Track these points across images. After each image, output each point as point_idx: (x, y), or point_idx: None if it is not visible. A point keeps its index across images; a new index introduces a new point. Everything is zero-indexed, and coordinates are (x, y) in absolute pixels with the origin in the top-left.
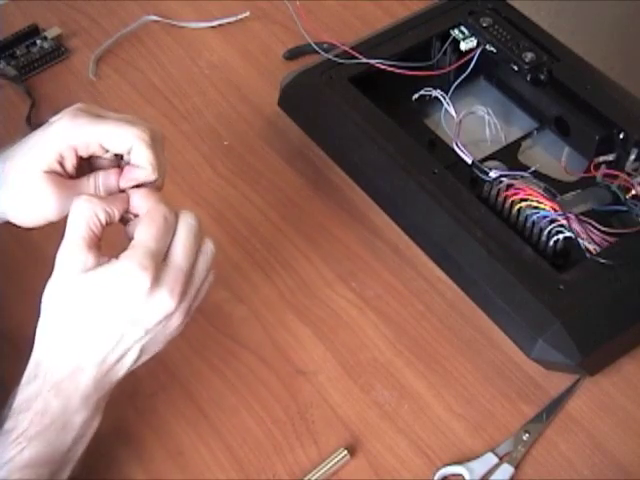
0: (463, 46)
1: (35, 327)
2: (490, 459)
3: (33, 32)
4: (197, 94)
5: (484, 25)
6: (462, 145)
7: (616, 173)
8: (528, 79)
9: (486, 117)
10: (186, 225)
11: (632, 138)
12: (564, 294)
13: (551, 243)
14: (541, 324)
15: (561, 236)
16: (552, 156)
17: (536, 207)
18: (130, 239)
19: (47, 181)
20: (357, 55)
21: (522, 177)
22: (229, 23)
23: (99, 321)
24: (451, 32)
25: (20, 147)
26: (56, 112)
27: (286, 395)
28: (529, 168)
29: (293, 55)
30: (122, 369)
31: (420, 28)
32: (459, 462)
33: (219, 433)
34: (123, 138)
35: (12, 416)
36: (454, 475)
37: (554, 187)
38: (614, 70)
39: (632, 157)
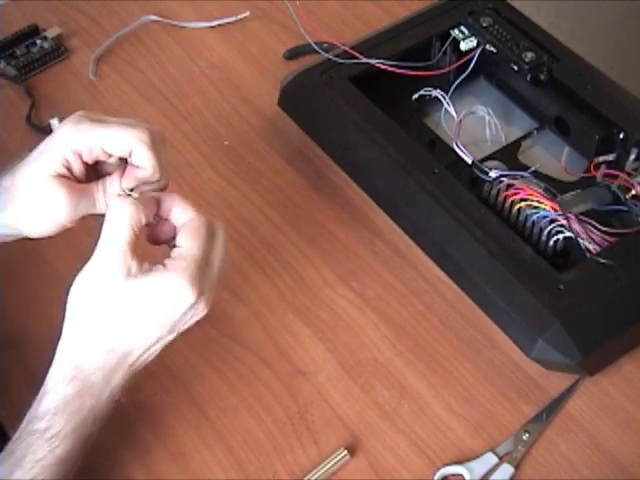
0: (463, 46)
1: (33, 327)
2: (490, 459)
3: (33, 32)
4: (197, 94)
5: (484, 25)
6: (462, 145)
7: (616, 173)
8: (528, 79)
9: (486, 117)
10: (221, 235)
11: (632, 138)
12: (564, 294)
13: (551, 243)
14: (541, 324)
15: (561, 236)
16: (552, 156)
17: (536, 207)
18: (151, 241)
19: (56, 184)
20: (357, 55)
21: (522, 177)
22: (229, 23)
23: (141, 327)
24: (451, 32)
25: (26, 159)
26: (56, 112)
27: (286, 395)
28: (529, 168)
29: (293, 55)
30: (146, 363)
31: (420, 28)
32: (459, 462)
33: (220, 433)
34: (123, 140)
35: (44, 417)
36: (454, 475)
37: (554, 187)
38: (614, 70)
39: (632, 157)
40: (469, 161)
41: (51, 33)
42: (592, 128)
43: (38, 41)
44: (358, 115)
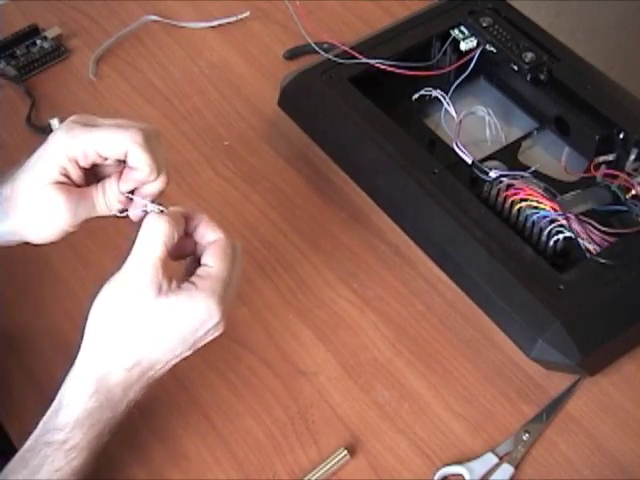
0: (463, 46)
1: (34, 328)
2: (490, 459)
3: (33, 32)
4: (197, 94)
5: (484, 25)
6: (462, 145)
7: (616, 173)
8: (528, 79)
9: (486, 117)
10: (240, 256)
11: (632, 138)
12: (564, 294)
13: (551, 243)
14: (541, 324)
15: (561, 236)
16: (552, 156)
17: (536, 207)
18: (172, 256)
19: (54, 190)
20: (357, 55)
21: (522, 177)
22: (229, 23)
23: (166, 344)
24: (451, 32)
25: (24, 166)
26: (56, 112)
27: (286, 395)
28: (529, 168)
29: (293, 55)
30: (161, 375)
31: (420, 28)
32: (459, 462)
33: (220, 434)
34: (117, 143)
35: (63, 429)
36: (454, 475)
37: (554, 187)
38: (614, 70)
39: (632, 157)
40: (469, 161)
41: (51, 33)
42: (592, 128)
43: (38, 41)
44: (358, 115)
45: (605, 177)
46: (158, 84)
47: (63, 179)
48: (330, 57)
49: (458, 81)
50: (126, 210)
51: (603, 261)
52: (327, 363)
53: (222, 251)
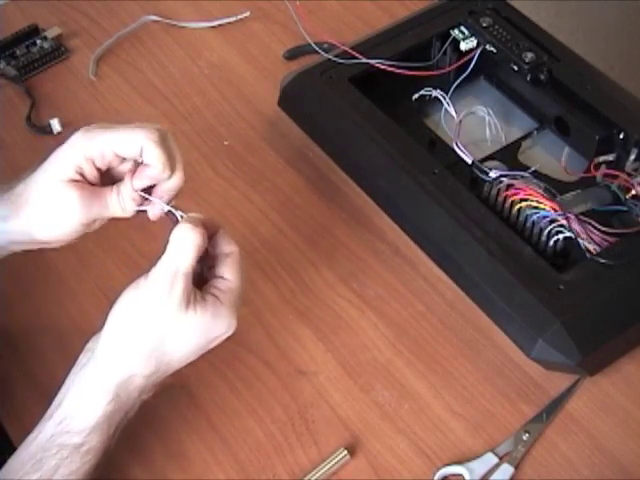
0: (463, 46)
1: (34, 329)
2: (490, 459)
3: (33, 32)
4: (197, 94)
5: (484, 25)
6: (462, 145)
7: (616, 173)
8: (528, 79)
9: (486, 117)
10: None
11: (632, 138)
12: (564, 294)
13: (551, 243)
14: (541, 324)
15: (561, 236)
16: (552, 156)
17: (536, 207)
18: None
19: (69, 185)
20: (357, 55)
21: (522, 177)
22: (229, 23)
23: (186, 352)
24: (451, 32)
25: (39, 167)
26: (56, 112)
27: (286, 395)
28: (529, 168)
29: (293, 55)
30: None
31: (420, 28)
32: (459, 462)
33: (220, 434)
34: (133, 140)
35: (81, 433)
36: (454, 475)
37: (554, 187)
38: (614, 70)
39: (632, 157)
40: (469, 161)
41: (51, 33)
42: (592, 128)
43: (38, 41)
44: (358, 115)
45: (605, 177)
46: (158, 84)
47: (78, 177)
48: (330, 57)
49: (458, 81)
50: (142, 208)
51: (603, 261)
52: (327, 363)
53: (237, 264)
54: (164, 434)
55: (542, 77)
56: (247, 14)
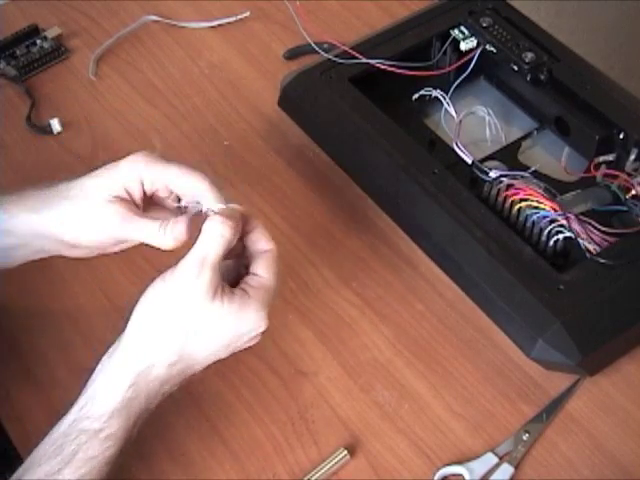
0: (463, 46)
1: (34, 329)
2: (490, 459)
3: (33, 32)
4: (197, 94)
5: (484, 25)
6: (462, 145)
7: (616, 173)
8: (528, 79)
9: (486, 117)
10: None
11: (632, 138)
12: (564, 294)
13: (551, 243)
14: (541, 324)
15: (561, 236)
16: (552, 156)
17: (536, 207)
18: None
19: (115, 200)
20: (357, 55)
21: (522, 177)
22: (229, 23)
23: (212, 347)
24: (451, 32)
25: (89, 173)
26: (56, 112)
27: (286, 395)
28: (529, 168)
29: (293, 55)
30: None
31: (420, 28)
32: (459, 462)
33: (220, 434)
34: (188, 180)
35: (100, 419)
36: (454, 475)
37: (554, 187)
38: (614, 70)
39: (632, 157)
40: (469, 161)
41: (51, 33)
42: (592, 128)
43: (38, 41)
44: (358, 115)
45: (605, 177)
46: (158, 84)
47: (125, 196)
48: (330, 57)
49: (458, 81)
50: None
51: (603, 261)
52: (327, 363)
53: (273, 262)
54: (164, 434)
55: (542, 77)
56: (247, 14)
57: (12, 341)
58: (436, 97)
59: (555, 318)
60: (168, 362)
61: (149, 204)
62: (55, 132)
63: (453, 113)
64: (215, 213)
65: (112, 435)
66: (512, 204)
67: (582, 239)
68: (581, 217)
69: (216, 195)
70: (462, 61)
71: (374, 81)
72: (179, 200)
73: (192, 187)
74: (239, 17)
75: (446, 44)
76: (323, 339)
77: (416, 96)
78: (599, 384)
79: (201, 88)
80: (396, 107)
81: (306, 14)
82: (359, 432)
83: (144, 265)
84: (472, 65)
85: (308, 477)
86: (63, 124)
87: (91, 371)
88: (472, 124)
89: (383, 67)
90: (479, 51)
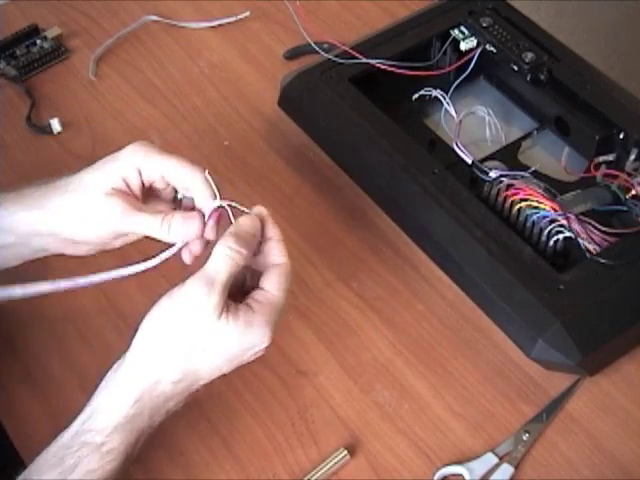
0: (463, 46)
1: (34, 328)
2: (490, 459)
3: (33, 32)
4: (197, 94)
5: (484, 25)
6: (462, 145)
7: (616, 173)
8: (528, 79)
9: (486, 117)
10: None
11: (632, 138)
12: (564, 294)
13: (551, 243)
14: (541, 324)
15: (561, 236)
16: (552, 156)
17: (536, 207)
18: None
19: (114, 193)
20: (357, 55)
21: (522, 177)
22: (229, 23)
23: (216, 363)
24: (451, 32)
25: (86, 167)
26: (56, 112)
27: (286, 395)
28: (529, 168)
29: (293, 55)
30: None
31: (420, 28)
32: (459, 462)
33: (220, 433)
34: (187, 174)
35: (102, 432)
36: (454, 475)
37: (554, 187)
38: (614, 70)
39: (632, 157)
40: (469, 161)
41: (51, 33)
42: (592, 128)
43: (38, 41)
44: (358, 115)
45: (605, 177)
46: (158, 84)
47: (124, 187)
48: (330, 57)
49: (458, 81)
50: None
51: (603, 261)
52: (327, 363)
53: (283, 278)
54: (164, 434)
55: (542, 77)
56: (247, 14)
57: (12, 342)
58: (436, 97)
59: (555, 318)
60: (173, 379)
61: (147, 196)
62: (55, 132)
63: (453, 113)
64: (215, 210)
65: (114, 450)
66: (512, 204)
67: (582, 239)
68: (581, 217)
69: (210, 192)
70: (462, 61)
71: (374, 81)
72: (176, 192)
73: (188, 180)
74: (239, 17)
75: (446, 44)
76: (323, 339)
77: (416, 96)
78: (599, 384)
79: (201, 88)
80: (396, 107)
81: (306, 14)
82: (359, 432)
83: None
84: (472, 65)
85: (308, 477)
86: (63, 124)
87: (89, 369)
88: (472, 124)
89: (383, 67)
90: (479, 51)
